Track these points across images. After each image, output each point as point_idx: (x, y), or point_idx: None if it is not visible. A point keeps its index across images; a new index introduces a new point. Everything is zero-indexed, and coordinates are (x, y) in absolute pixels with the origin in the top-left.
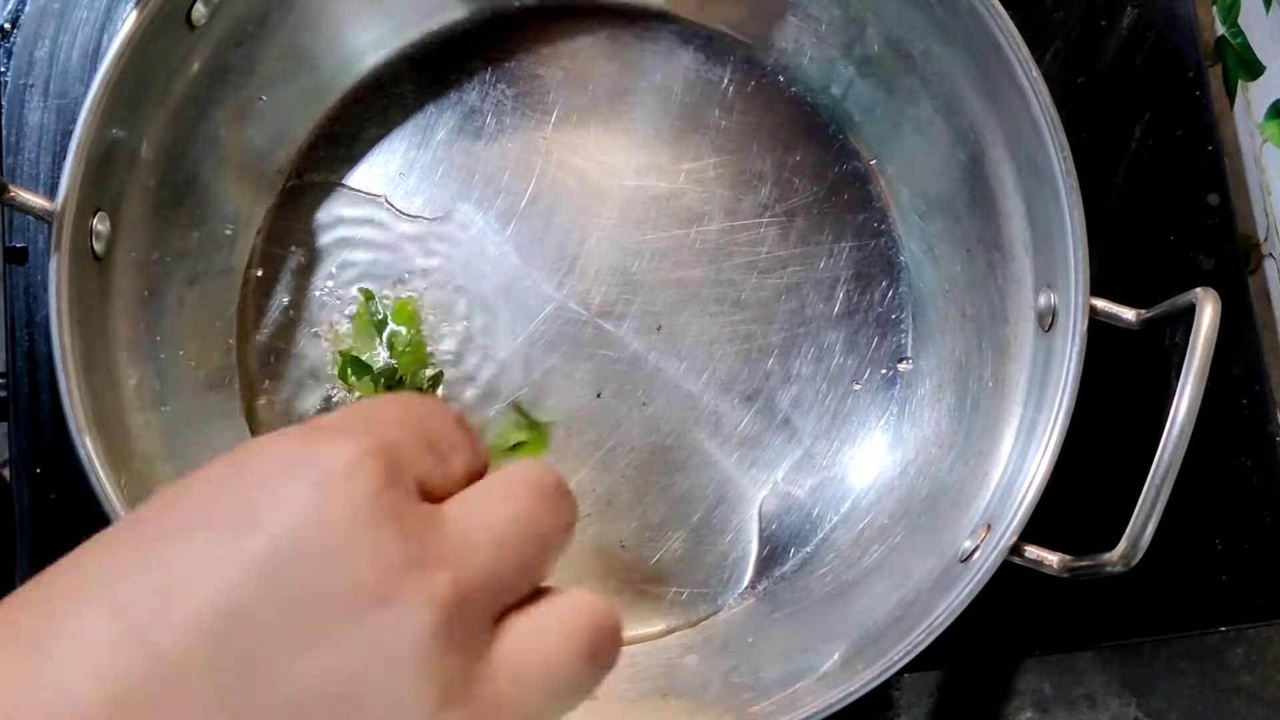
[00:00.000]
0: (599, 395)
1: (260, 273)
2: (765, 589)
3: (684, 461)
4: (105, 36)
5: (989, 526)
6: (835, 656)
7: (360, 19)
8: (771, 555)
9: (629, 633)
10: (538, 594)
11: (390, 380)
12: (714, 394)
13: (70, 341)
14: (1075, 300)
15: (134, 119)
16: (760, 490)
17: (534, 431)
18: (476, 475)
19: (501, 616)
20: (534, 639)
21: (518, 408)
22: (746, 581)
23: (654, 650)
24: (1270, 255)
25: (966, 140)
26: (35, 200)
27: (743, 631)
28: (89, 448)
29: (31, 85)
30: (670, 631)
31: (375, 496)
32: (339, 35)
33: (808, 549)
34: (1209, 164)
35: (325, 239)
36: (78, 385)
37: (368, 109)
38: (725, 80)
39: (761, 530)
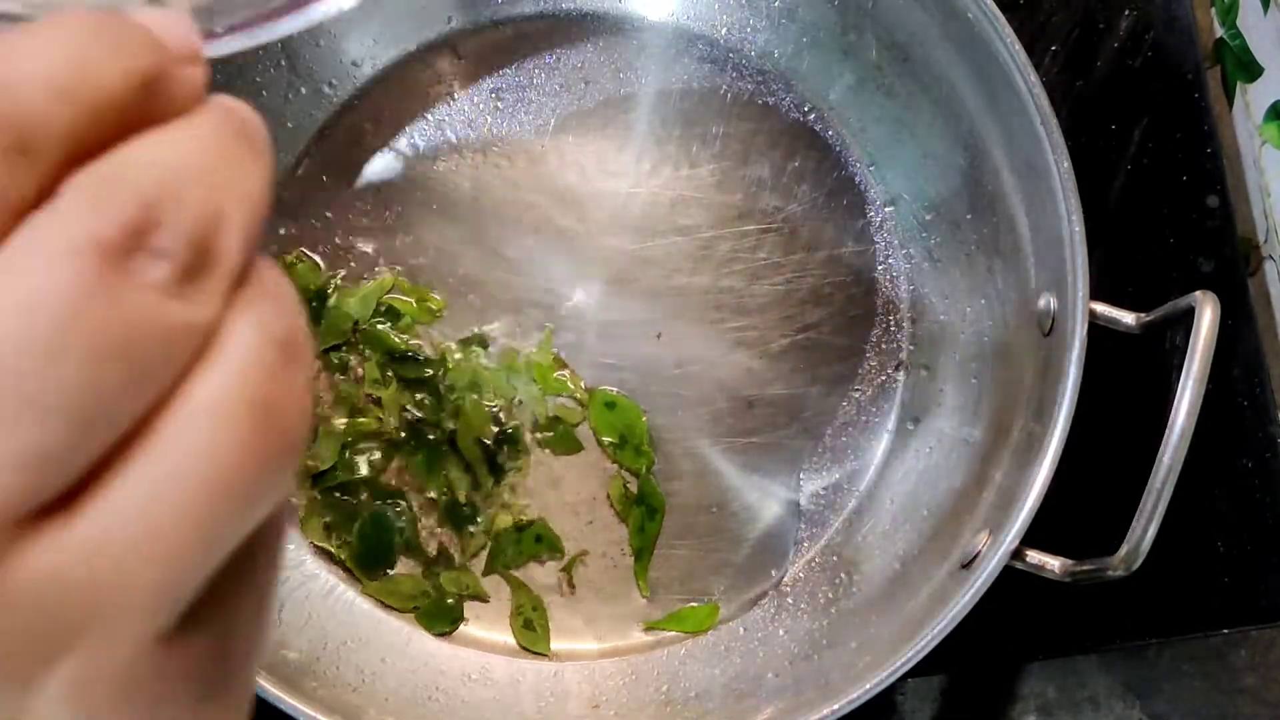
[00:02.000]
0: None
1: None
2: (767, 595)
3: (685, 470)
4: None
5: (990, 531)
6: (838, 662)
7: (357, 29)
8: (773, 562)
9: (629, 640)
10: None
11: (418, 374)
12: (714, 402)
13: None
14: (1075, 304)
15: None
16: (762, 498)
17: (618, 417)
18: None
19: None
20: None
21: (602, 395)
22: (748, 588)
23: (655, 658)
24: (1270, 257)
25: (966, 144)
26: None
27: (745, 638)
28: None
29: None
30: (672, 639)
31: None
32: (335, 45)
33: (810, 555)
34: (1208, 166)
35: (323, 250)
36: None
37: (364, 119)
38: (724, 87)
39: (763, 538)
